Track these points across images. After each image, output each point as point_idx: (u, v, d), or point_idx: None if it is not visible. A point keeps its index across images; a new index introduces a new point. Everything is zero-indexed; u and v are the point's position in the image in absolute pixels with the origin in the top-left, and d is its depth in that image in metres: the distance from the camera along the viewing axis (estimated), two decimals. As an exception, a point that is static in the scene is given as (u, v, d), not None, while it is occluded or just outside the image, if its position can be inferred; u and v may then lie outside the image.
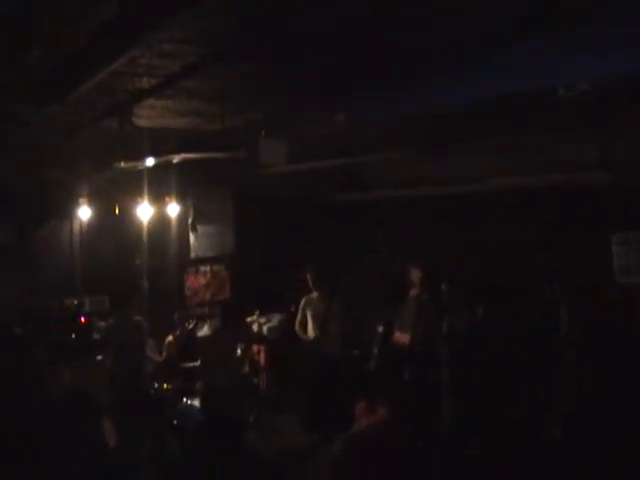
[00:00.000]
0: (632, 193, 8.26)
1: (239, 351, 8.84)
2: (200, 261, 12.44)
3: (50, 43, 5.00)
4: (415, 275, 9.42)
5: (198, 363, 9.05)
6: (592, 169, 8.20)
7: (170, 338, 10.13)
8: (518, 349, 7.59)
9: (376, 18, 4.61)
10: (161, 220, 11.41)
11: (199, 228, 12.28)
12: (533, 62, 4.53)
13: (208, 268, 12.45)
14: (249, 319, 10.95)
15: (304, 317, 10.07)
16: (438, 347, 8.34)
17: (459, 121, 7.24)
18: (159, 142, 8.57)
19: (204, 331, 11.34)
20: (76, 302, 10.67)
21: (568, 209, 8.96)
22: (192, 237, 12.36)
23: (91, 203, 10.59)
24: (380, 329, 9.85)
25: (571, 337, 7.46)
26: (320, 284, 9.94)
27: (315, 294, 10.01)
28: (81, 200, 10.48)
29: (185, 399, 9.20)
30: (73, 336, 9.62)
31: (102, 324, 10.25)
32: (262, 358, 11.09)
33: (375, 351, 9.71)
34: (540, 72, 4.56)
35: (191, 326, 10.61)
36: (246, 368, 9.98)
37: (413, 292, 9.50)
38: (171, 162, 9.09)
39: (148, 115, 7.64)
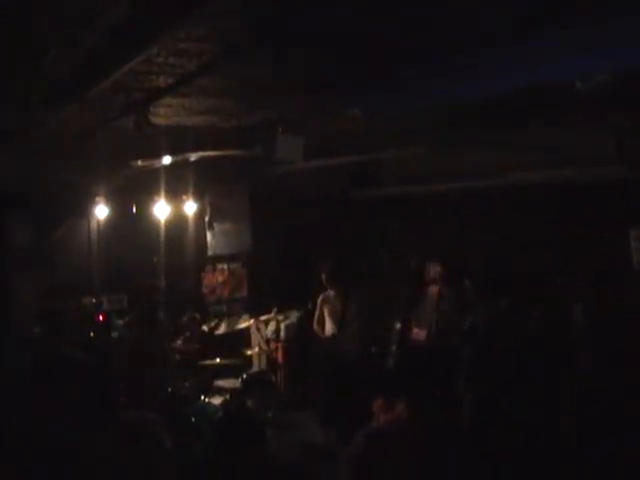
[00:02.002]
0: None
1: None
2: (217, 259, 12.47)
3: (65, 43, 5.02)
4: (435, 271, 9.40)
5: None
6: (609, 163, 8.15)
7: (179, 341, 10.07)
8: (537, 345, 7.55)
9: (388, 12, 4.60)
10: (178, 218, 11.46)
11: (216, 226, 12.30)
12: (549, 55, 4.50)
13: (225, 266, 12.48)
14: (266, 317, 10.96)
15: (321, 314, 10.08)
16: (457, 343, 8.30)
17: (474, 116, 7.22)
18: (176, 140, 8.59)
19: (222, 329, 11.38)
20: (94, 301, 10.72)
21: (585, 203, 8.91)
22: (209, 235, 12.39)
23: (108, 202, 10.64)
24: (398, 326, 9.84)
25: (586, 332, 7.43)
26: (335, 282, 9.94)
27: (332, 291, 10.01)
28: (98, 199, 10.53)
29: (203, 397, 9.21)
30: (91, 334, 9.65)
31: (120, 322, 10.30)
32: (280, 355, 11.10)
33: (393, 348, 9.70)
34: (556, 65, 4.53)
35: (212, 324, 10.65)
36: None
37: (431, 288, 9.48)
38: (188, 160, 9.12)
39: (164, 113, 7.65)
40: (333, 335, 9.85)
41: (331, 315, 9.92)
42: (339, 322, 9.79)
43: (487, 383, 7.57)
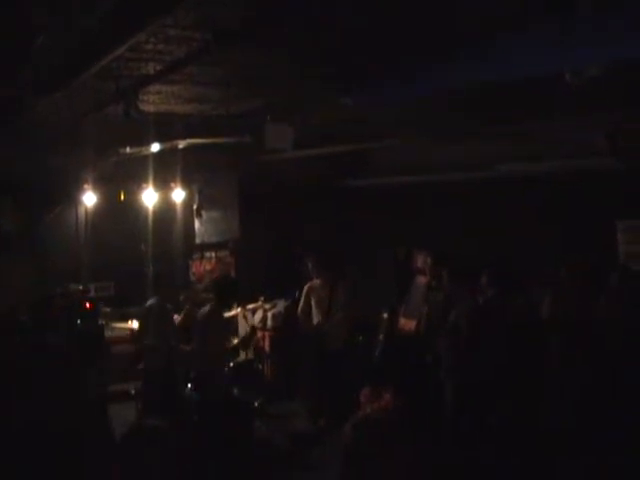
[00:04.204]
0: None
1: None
2: (205, 247, 12.46)
3: (55, 30, 4.99)
4: (422, 261, 9.39)
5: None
6: (601, 155, 8.17)
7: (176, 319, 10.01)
8: (522, 336, 7.57)
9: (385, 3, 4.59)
10: (166, 206, 11.44)
11: (204, 214, 12.27)
12: (545, 47, 4.51)
13: (213, 254, 12.47)
14: (253, 305, 10.96)
15: (307, 304, 10.02)
16: (441, 334, 8.30)
17: (469, 107, 7.23)
18: (164, 128, 8.57)
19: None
20: (81, 288, 10.69)
21: (577, 195, 8.94)
22: (197, 223, 12.38)
23: (96, 189, 10.61)
24: (385, 315, 9.84)
25: (555, 323, 7.45)
26: (321, 271, 9.90)
27: (318, 281, 9.97)
28: (86, 186, 10.49)
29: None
30: (79, 322, 9.62)
31: (107, 309, 10.29)
32: (266, 344, 11.10)
33: (381, 338, 9.70)
34: (553, 58, 4.54)
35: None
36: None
37: (419, 278, 9.48)
38: (176, 147, 9.09)
39: (153, 101, 7.64)
40: (320, 324, 9.83)
41: (318, 304, 9.88)
42: (326, 311, 9.77)
43: (468, 372, 7.57)
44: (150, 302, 8.84)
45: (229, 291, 8.54)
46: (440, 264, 8.69)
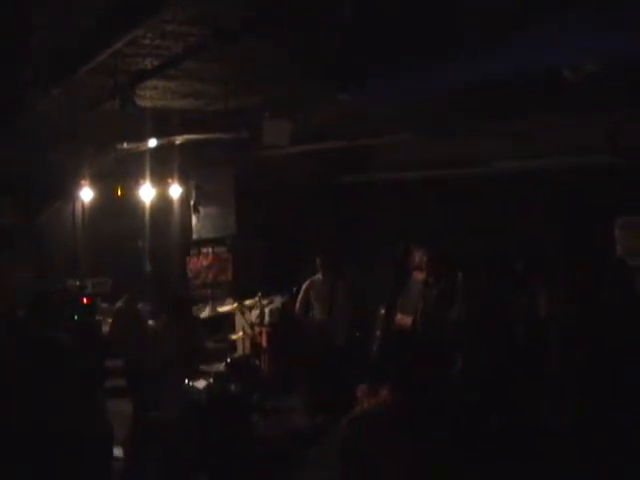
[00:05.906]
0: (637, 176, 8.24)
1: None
2: (202, 242, 12.44)
3: (52, 26, 4.97)
4: (419, 257, 9.37)
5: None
6: (600, 152, 8.16)
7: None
8: (522, 336, 7.56)
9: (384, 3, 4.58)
10: (163, 201, 11.41)
11: (201, 209, 12.26)
12: (545, 46, 4.49)
13: (210, 250, 12.45)
14: (250, 301, 10.94)
15: (305, 299, 10.03)
16: (442, 331, 8.27)
17: (469, 106, 7.22)
18: (162, 123, 8.54)
19: (205, 312, 11.38)
20: (78, 283, 10.67)
21: (575, 192, 8.93)
22: (194, 218, 12.35)
23: (94, 185, 10.57)
24: (382, 311, 9.83)
25: (551, 321, 7.44)
26: (328, 268, 9.90)
27: (319, 277, 9.97)
28: (84, 182, 10.46)
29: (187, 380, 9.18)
30: (75, 317, 9.60)
31: (104, 305, 10.26)
32: (263, 340, 11.09)
33: (377, 333, 9.69)
34: (552, 56, 4.53)
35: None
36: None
37: (418, 275, 9.45)
38: (173, 143, 9.07)
39: (150, 96, 7.61)
40: (321, 320, 9.83)
41: (319, 300, 9.88)
42: (328, 308, 9.77)
43: (475, 372, 7.56)
44: (119, 304, 8.84)
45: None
46: (436, 261, 8.69)
